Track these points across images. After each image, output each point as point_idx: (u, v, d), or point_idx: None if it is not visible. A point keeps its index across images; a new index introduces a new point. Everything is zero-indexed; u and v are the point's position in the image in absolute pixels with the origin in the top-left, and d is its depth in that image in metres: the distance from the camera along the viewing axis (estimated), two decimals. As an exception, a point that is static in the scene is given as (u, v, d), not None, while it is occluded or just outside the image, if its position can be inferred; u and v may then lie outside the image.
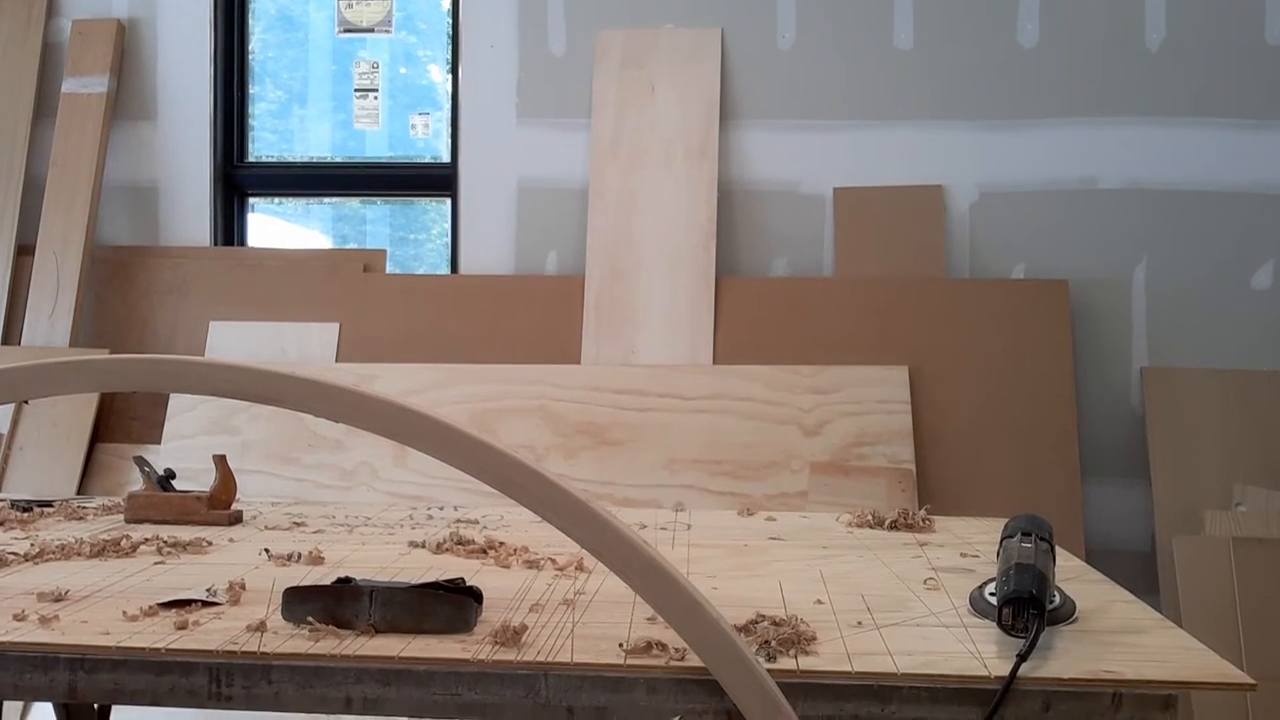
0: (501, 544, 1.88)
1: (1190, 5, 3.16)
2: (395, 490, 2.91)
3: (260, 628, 1.41)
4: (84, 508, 2.24)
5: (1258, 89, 3.14)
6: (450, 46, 3.46)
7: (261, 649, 1.34)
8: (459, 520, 2.19)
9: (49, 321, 3.26)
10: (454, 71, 3.41)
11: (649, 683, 1.30)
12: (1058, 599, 1.46)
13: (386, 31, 3.55)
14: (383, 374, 3.03)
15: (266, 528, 2.09)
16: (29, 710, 3.02)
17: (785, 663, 1.31)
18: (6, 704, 1.12)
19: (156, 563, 1.78)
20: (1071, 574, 1.71)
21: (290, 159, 3.62)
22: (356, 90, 3.56)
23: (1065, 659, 1.32)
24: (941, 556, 1.86)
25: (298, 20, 3.62)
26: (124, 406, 3.27)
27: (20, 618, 1.41)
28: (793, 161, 3.27)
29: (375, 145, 3.58)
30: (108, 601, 1.51)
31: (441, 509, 2.36)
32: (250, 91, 3.60)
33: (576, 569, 1.73)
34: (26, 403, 3.15)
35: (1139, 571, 2.98)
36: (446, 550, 1.88)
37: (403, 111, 3.56)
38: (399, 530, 2.08)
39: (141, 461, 2.20)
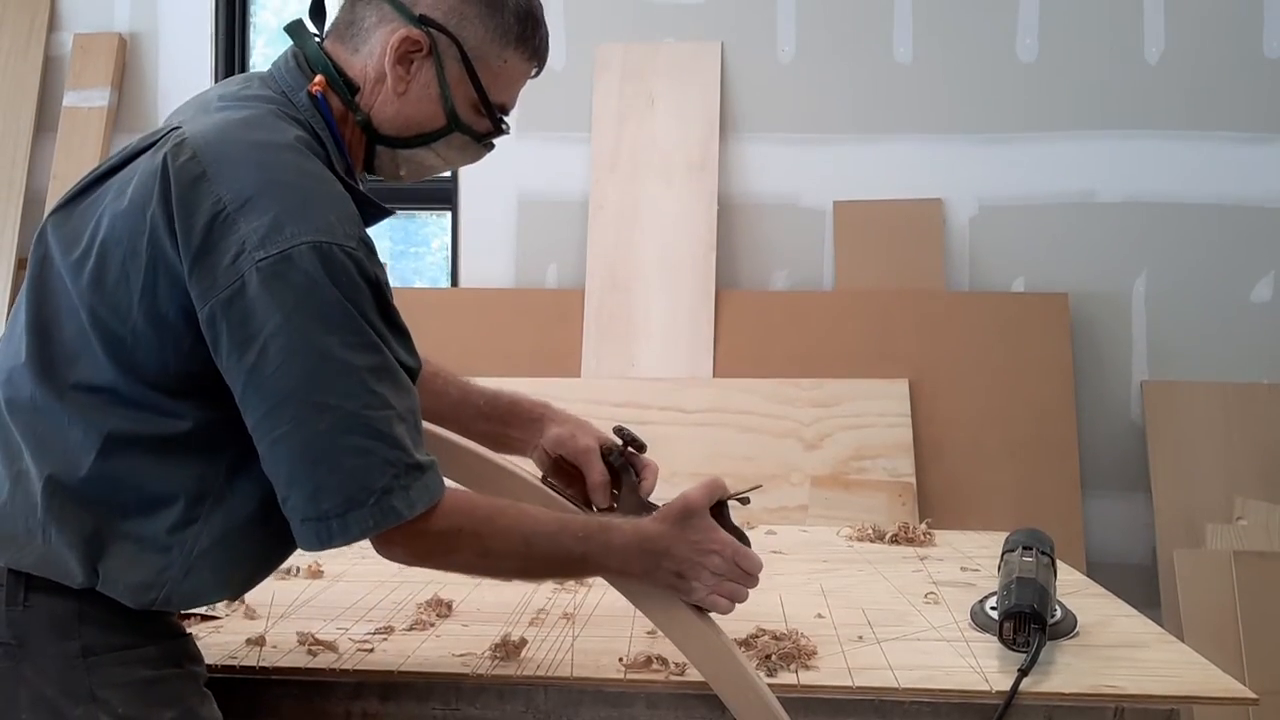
0: (501, 558, 1.88)
1: (1189, 19, 3.16)
2: (395, 503, 2.90)
3: (259, 642, 1.41)
4: (83, 521, 2.23)
5: (1256, 102, 3.15)
6: (451, 60, 3.46)
7: (261, 663, 1.34)
8: (459, 534, 2.18)
9: (49, 334, 3.26)
10: (454, 85, 3.41)
11: (649, 697, 1.30)
12: (1059, 613, 1.46)
13: (387, 45, 3.56)
14: (382, 387, 3.03)
15: (266, 541, 2.08)
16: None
17: (786, 677, 1.31)
18: None
19: (155, 576, 1.77)
20: (1072, 588, 1.71)
21: (291, 172, 3.62)
22: (357, 104, 3.56)
23: (1067, 673, 1.32)
24: (942, 570, 1.86)
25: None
26: (123, 419, 3.26)
27: (18, 632, 1.40)
28: (792, 175, 3.27)
29: (375, 158, 3.58)
30: (106, 615, 1.50)
31: (441, 522, 2.36)
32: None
33: (576, 582, 1.73)
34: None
35: (1140, 585, 2.97)
36: (446, 564, 1.87)
37: (403, 125, 3.56)
38: (398, 544, 2.07)
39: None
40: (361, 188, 1.23)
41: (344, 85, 1.24)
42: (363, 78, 1.24)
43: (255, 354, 1.08)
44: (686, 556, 1.25)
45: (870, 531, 2.16)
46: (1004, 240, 3.21)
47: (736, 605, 1.28)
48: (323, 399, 1.09)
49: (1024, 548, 1.53)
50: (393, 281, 3.57)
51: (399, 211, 3.59)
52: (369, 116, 1.25)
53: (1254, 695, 1.26)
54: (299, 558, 1.88)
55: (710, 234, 3.17)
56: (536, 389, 3.03)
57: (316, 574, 1.79)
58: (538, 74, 1.33)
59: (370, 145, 1.27)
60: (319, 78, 1.22)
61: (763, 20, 3.27)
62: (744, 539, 1.31)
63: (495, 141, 1.34)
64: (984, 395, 3.04)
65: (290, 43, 1.28)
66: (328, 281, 1.09)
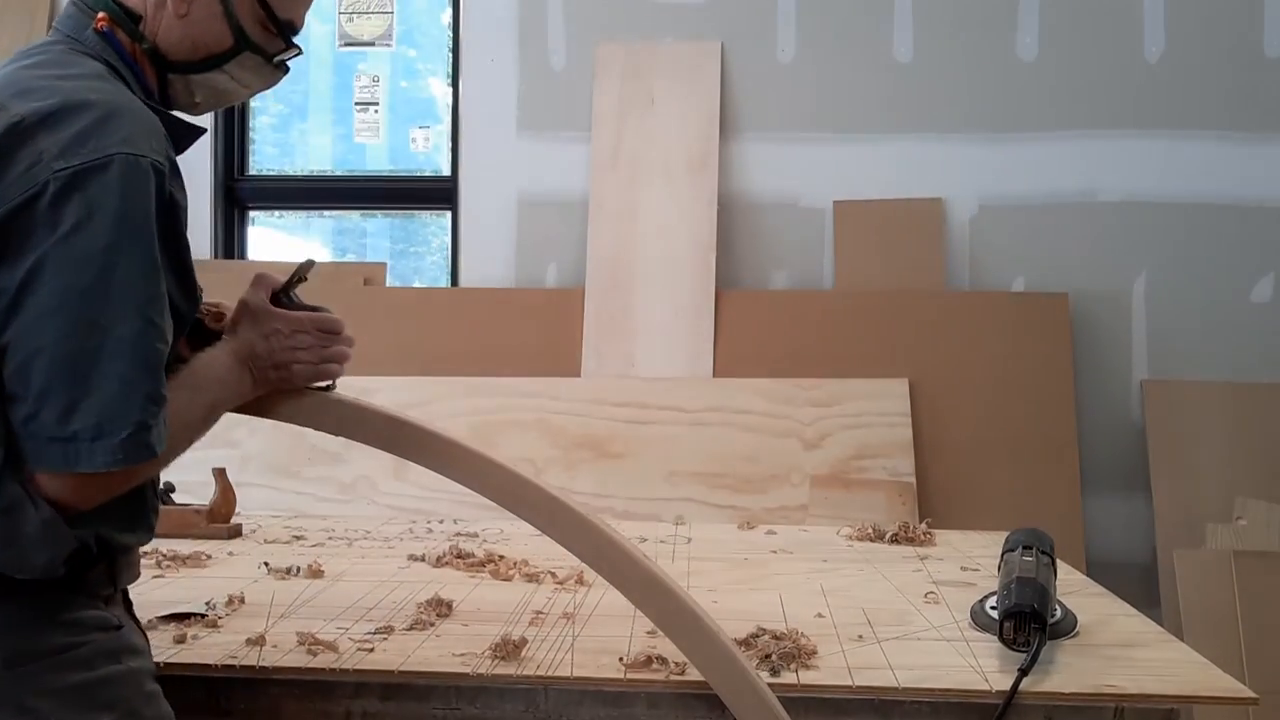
0: (501, 557, 1.88)
1: (1189, 18, 3.16)
2: (395, 504, 2.90)
3: (260, 642, 1.41)
4: (83, 521, 2.24)
5: (1257, 101, 3.15)
6: (451, 60, 3.47)
7: (261, 663, 1.34)
8: (458, 534, 2.19)
9: (49, 334, 3.25)
10: (454, 85, 3.41)
11: (649, 697, 1.30)
12: (1059, 613, 1.46)
13: (387, 45, 3.56)
14: (382, 387, 3.03)
15: (266, 541, 2.09)
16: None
17: (786, 677, 1.31)
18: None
19: (155, 576, 1.78)
20: (1073, 587, 1.71)
21: (291, 172, 3.62)
22: (357, 104, 3.56)
23: (1067, 673, 1.32)
24: (942, 570, 1.86)
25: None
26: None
27: (18, 632, 1.40)
28: (793, 174, 3.27)
29: (376, 158, 3.59)
30: (106, 615, 1.50)
31: (441, 522, 2.36)
32: (251, 105, 3.60)
33: (576, 582, 1.73)
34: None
35: (1140, 585, 2.97)
36: (446, 563, 1.88)
37: (403, 125, 3.56)
38: (398, 544, 2.08)
39: (141, 474, 2.19)
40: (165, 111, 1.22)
41: (125, 16, 1.24)
42: (142, 6, 1.25)
43: (33, 261, 1.05)
44: (273, 348, 1.30)
45: (870, 531, 2.16)
46: (1004, 240, 3.21)
47: (342, 368, 1.36)
48: (95, 318, 1.06)
49: (1024, 547, 1.53)
50: (393, 281, 3.57)
51: (399, 211, 3.61)
52: (155, 44, 1.25)
53: (1254, 695, 1.26)
54: (299, 557, 1.88)
55: (710, 233, 3.17)
56: (536, 389, 3.06)
57: (317, 574, 1.79)
58: None
59: (162, 75, 1.27)
60: (101, 14, 1.22)
61: (763, 20, 3.27)
62: (320, 310, 1.35)
63: (289, 63, 1.34)
64: (984, 395, 3.04)
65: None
66: (127, 198, 1.07)
